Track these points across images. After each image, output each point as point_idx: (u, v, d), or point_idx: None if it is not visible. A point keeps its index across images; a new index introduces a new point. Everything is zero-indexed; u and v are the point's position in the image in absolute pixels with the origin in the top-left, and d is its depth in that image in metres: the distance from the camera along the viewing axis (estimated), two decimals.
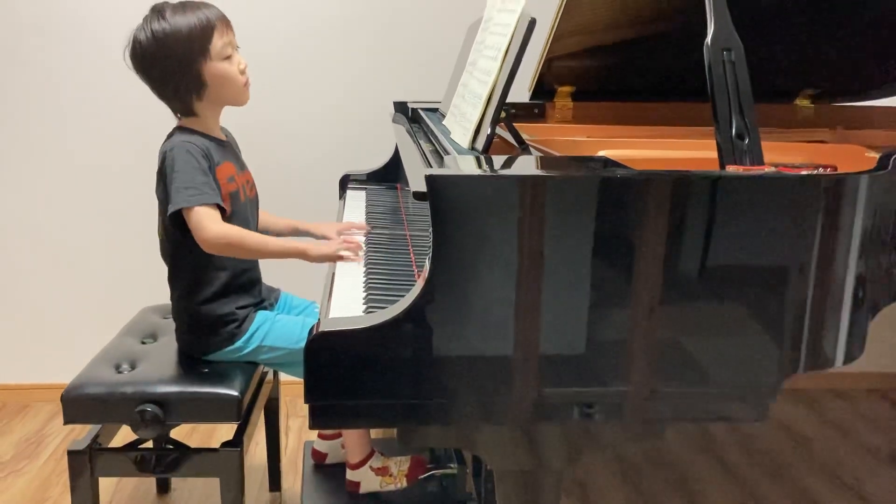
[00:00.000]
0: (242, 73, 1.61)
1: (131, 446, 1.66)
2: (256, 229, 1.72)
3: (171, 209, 1.52)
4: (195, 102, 1.60)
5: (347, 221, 1.89)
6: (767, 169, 1.10)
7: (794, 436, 2.40)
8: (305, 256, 1.55)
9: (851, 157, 1.63)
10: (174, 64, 1.54)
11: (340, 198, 2.21)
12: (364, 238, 1.71)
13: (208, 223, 1.50)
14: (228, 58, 1.58)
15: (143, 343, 1.79)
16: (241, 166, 1.73)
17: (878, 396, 2.66)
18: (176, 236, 1.59)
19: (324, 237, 1.80)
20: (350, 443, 1.74)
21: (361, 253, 1.58)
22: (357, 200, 2.12)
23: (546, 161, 1.19)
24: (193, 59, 1.54)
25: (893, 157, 1.13)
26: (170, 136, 1.62)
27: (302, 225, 1.90)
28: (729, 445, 2.28)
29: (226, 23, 1.59)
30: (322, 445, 1.95)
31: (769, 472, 2.19)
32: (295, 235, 1.91)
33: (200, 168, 1.54)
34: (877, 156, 1.21)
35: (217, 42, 1.55)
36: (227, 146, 1.70)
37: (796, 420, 2.49)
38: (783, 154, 1.70)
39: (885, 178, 1.12)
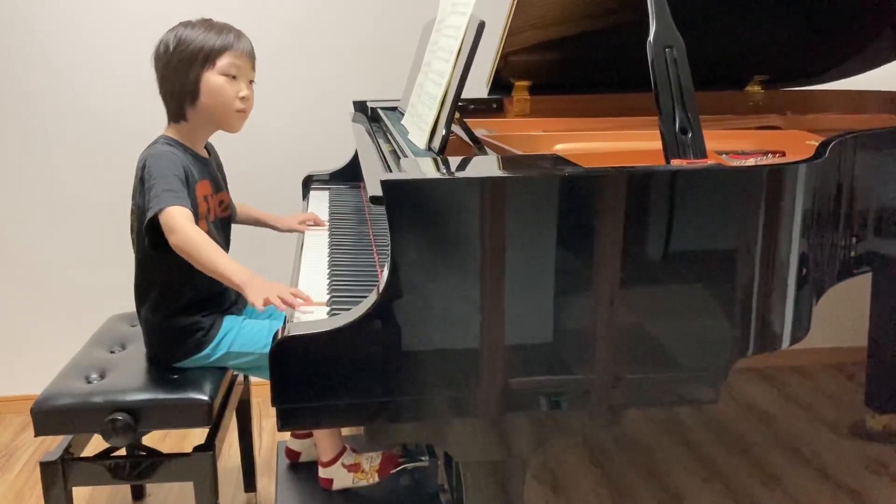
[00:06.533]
0: (241, 99, 1.63)
1: (104, 455, 1.67)
2: (227, 250, 1.73)
3: (149, 214, 1.49)
4: (188, 109, 1.63)
5: (311, 212, 1.93)
6: (709, 162, 1.14)
7: (756, 414, 2.47)
8: (244, 292, 1.41)
9: (797, 142, 1.69)
10: (178, 65, 1.59)
11: (304, 198, 2.23)
12: (328, 239, 1.73)
13: (182, 220, 1.47)
14: (233, 77, 1.61)
15: (112, 352, 1.80)
16: (218, 187, 1.73)
17: (835, 371, 2.75)
18: (147, 247, 1.58)
19: (289, 230, 1.92)
20: (321, 441, 1.77)
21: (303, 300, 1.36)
22: (320, 201, 2.13)
23: (499, 161, 1.22)
24: (195, 65, 1.59)
25: (830, 145, 1.18)
26: (153, 143, 1.63)
27: (264, 217, 1.97)
28: (692, 426, 2.34)
29: (246, 54, 1.64)
30: (295, 444, 1.98)
31: (733, 449, 2.25)
32: (257, 226, 1.99)
33: (178, 176, 1.54)
34: (816, 143, 1.25)
35: (224, 60, 1.60)
36: (208, 164, 1.71)
37: (757, 398, 2.57)
38: (735, 141, 1.75)
39: (823, 165, 1.17)
